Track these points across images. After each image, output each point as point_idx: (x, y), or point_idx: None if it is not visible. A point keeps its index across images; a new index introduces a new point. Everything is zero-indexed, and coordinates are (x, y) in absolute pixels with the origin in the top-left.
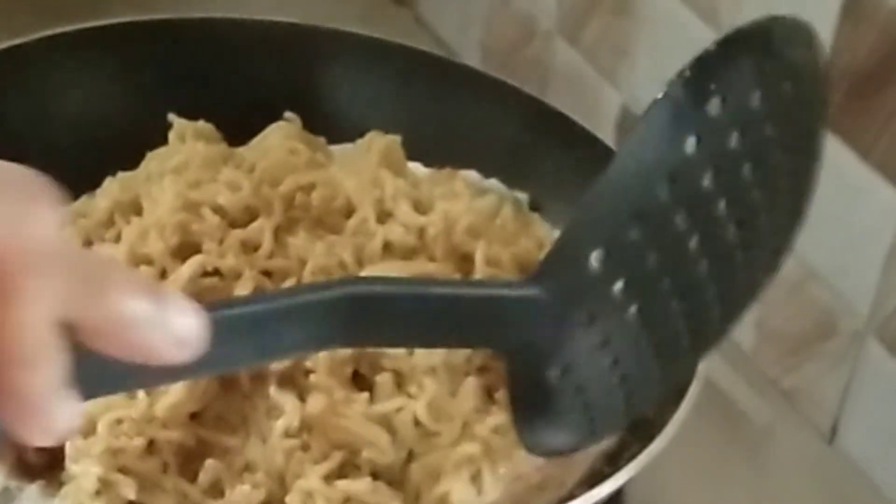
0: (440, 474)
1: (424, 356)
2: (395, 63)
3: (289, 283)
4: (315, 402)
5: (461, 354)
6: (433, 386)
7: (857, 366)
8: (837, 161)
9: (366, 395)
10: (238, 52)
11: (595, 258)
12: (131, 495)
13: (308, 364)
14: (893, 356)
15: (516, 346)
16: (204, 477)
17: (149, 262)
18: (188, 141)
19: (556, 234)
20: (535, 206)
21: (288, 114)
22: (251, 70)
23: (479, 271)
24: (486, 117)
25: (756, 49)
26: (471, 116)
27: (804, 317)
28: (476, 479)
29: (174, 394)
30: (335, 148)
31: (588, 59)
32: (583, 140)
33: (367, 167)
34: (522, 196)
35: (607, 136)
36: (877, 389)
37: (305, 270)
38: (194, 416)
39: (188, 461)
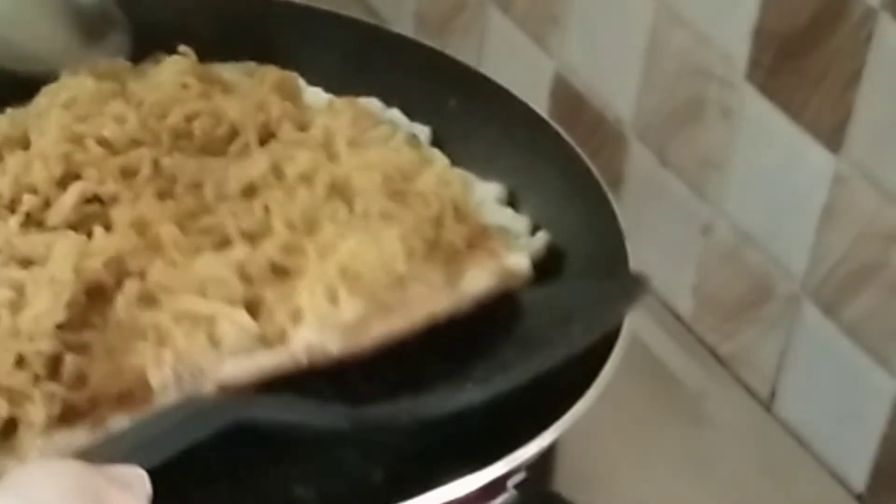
0: (294, 294)
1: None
2: (328, 30)
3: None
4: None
5: (315, 201)
6: (286, 232)
7: (793, 329)
8: (769, 123)
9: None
10: (172, 18)
11: None
12: (2, 412)
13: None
14: (829, 318)
15: None
16: (66, 372)
17: (33, 190)
18: (80, 76)
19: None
20: (436, 143)
21: (182, 47)
22: (184, 36)
23: (342, 152)
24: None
25: None
26: (399, 81)
27: (740, 282)
28: (333, 299)
29: (38, 305)
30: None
31: (520, 27)
32: (480, 79)
33: (255, 94)
34: (423, 129)
35: (542, 102)
36: (813, 352)
37: (178, 185)
38: (61, 326)
39: (57, 367)
